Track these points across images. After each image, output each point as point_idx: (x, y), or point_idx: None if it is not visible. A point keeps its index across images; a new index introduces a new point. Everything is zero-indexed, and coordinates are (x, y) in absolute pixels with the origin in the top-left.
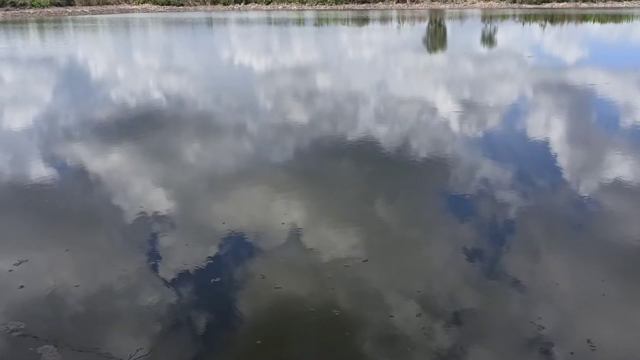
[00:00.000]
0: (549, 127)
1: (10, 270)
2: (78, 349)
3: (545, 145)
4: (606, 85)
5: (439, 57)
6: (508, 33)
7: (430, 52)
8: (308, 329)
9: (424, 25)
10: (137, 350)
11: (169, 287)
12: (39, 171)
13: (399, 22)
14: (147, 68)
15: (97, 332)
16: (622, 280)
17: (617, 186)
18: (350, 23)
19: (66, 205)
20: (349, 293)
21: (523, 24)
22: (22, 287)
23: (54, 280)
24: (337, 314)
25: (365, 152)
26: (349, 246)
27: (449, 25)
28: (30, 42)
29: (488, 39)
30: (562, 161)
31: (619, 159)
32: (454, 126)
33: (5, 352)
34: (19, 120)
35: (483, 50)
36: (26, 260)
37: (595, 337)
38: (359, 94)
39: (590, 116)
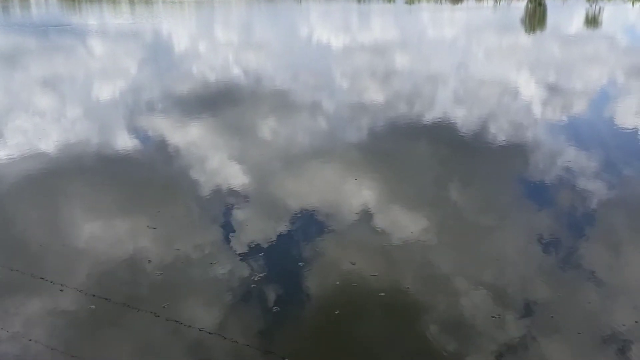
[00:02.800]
0: None
1: (94, 236)
2: (154, 313)
3: (636, 133)
4: None
5: (537, 38)
6: (616, 14)
7: (528, 33)
8: (378, 307)
9: (522, 4)
10: (213, 320)
11: (244, 259)
12: (124, 141)
13: (495, 1)
14: (229, 44)
15: (173, 299)
16: None
17: None
18: (443, 1)
19: (147, 176)
20: (419, 276)
21: (633, 5)
22: (105, 252)
23: (134, 246)
24: (406, 295)
25: (442, 133)
26: (421, 229)
27: (549, 3)
28: (132, 18)
29: (592, 20)
30: None
31: None
32: (546, 110)
33: (86, 313)
34: (108, 92)
35: (584, 31)
36: (109, 227)
37: None
38: (449, 75)
39: None
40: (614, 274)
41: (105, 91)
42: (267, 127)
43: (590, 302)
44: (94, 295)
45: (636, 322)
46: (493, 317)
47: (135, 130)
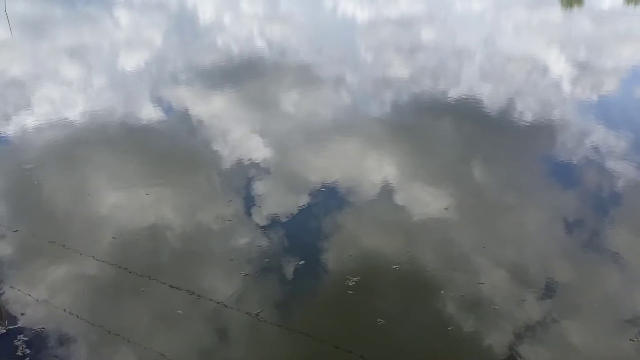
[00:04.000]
0: None
1: (117, 206)
2: (174, 286)
3: None
4: None
5: (571, 13)
6: None
7: (563, 7)
8: (396, 283)
9: None
10: (231, 293)
11: (264, 232)
12: (147, 112)
13: None
14: (254, 16)
15: (193, 271)
16: None
17: None
18: None
19: (170, 146)
20: (438, 252)
21: None
22: (126, 222)
23: (155, 216)
24: (425, 272)
25: (467, 110)
26: (442, 206)
27: None
28: None
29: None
30: None
31: None
32: (576, 89)
33: (107, 283)
34: (133, 62)
35: (623, 8)
36: (132, 197)
37: None
38: (475, 50)
39: None
40: (638, 256)
41: (130, 62)
42: (290, 101)
43: (613, 284)
44: (117, 266)
45: None
46: (513, 296)
47: (158, 101)
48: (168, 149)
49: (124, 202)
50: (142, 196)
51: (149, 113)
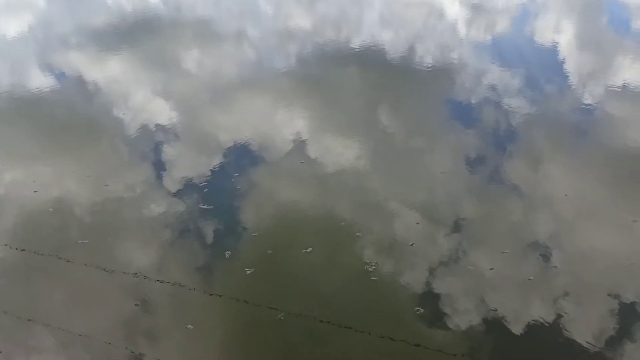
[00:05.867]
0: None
1: (16, 184)
2: (85, 263)
3: (555, 49)
4: None
5: None
6: None
7: None
8: (314, 236)
9: None
10: (149, 264)
11: (178, 197)
12: (38, 80)
13: None
14: None
15: (105, 244)
16: (623, 187)
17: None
18: None
19: (67, 116)
20: (353, 201)
21: None
22: (29, 199)
23: (60, 192)
24: (342, 221)
25: (370, 58)
26: (354, 155)
27: None
28: None
29: None
30: (571, 66)
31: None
32: (471, 31)
33: (11, 266)
34: (15, 27)
35: None
36: (31, 174)
37: (594, 242)
38: None
39: None
40: (536, 187)
41: (12, 26)
42: (191, 59)
43: (515, 214)
44: (22, 250)
45: (556, 231)
46: (425, 235)
47: (49, 68)
48: (65, 118)
49: (22, 180)
50: (42, 171)
51: (40, 82)
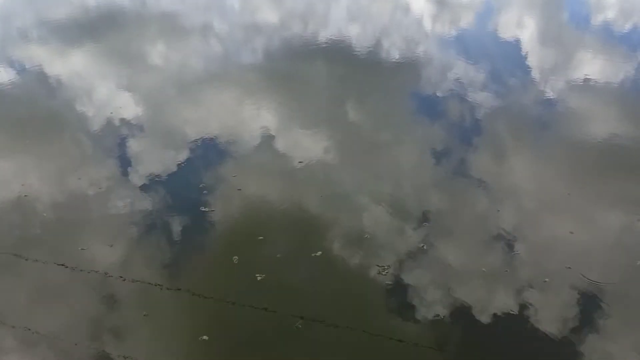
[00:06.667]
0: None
1: None
2: (47, 260)
3: (518, 44)
4: None
5: None
6: None
7: None
8: (282, 229)
9: None
10: (115, 261)
11: (144, 192)
12: None
13: None
14: None
15: (70, 240)
16: (585, 179)
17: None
18: None
19: (28, 111)
20: (321, 195)
21: None
22: None
23: (20, 188)
24: (310, 214)
25: (337, 52)
26: (321, 149)
27: None
28: None
29: None
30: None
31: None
32: (436, 25)
33: None
34: None
35: None
36: None
37: (558, 232)
38: None
39: None
40: (500, 179)
41: None
42: (157, 53)
43: (480, 206)
44: None
45: (520, 221)
46: (393, 228)
47: (8, 62)
48: (25, 113)
49: None
50: (3, 167)
51: (0, 76)
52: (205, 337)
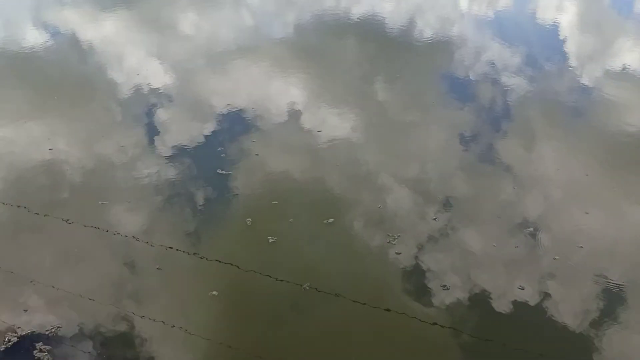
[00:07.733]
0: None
1: (5, 142)
2: (77, 222)
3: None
4: None
5: None
6: None
7: None
8: (296, 195)
9: None
10: (139, 226)
11: (169, 161)
12: (32, 39)
13: None
14: None
15: (97, 206)
16: (614, 170)
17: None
18: None
19: (61, 75)
20: (344, 173)
21: None
22: (19, 159)
23: (52, 151)
24: (325, 182)
25: (369, 29)
26: (348, 127)
27: None
28: None
29: None
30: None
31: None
32: (473, 5)
33: (3, 223)
34: None
35: None
36: (24, 131)
37: (583, 223)
38: None
39: None
40: (529, 167)
41: None
42: (188, 22)
43: (506, 193)
44: (12, 205)
45: (545, 210)
46: (408, 203)
47: (43, 26)
48: (58, 77)
49: (13, 137)
50: (34, 129)
51: (33, 39)
52: (214, 293)
